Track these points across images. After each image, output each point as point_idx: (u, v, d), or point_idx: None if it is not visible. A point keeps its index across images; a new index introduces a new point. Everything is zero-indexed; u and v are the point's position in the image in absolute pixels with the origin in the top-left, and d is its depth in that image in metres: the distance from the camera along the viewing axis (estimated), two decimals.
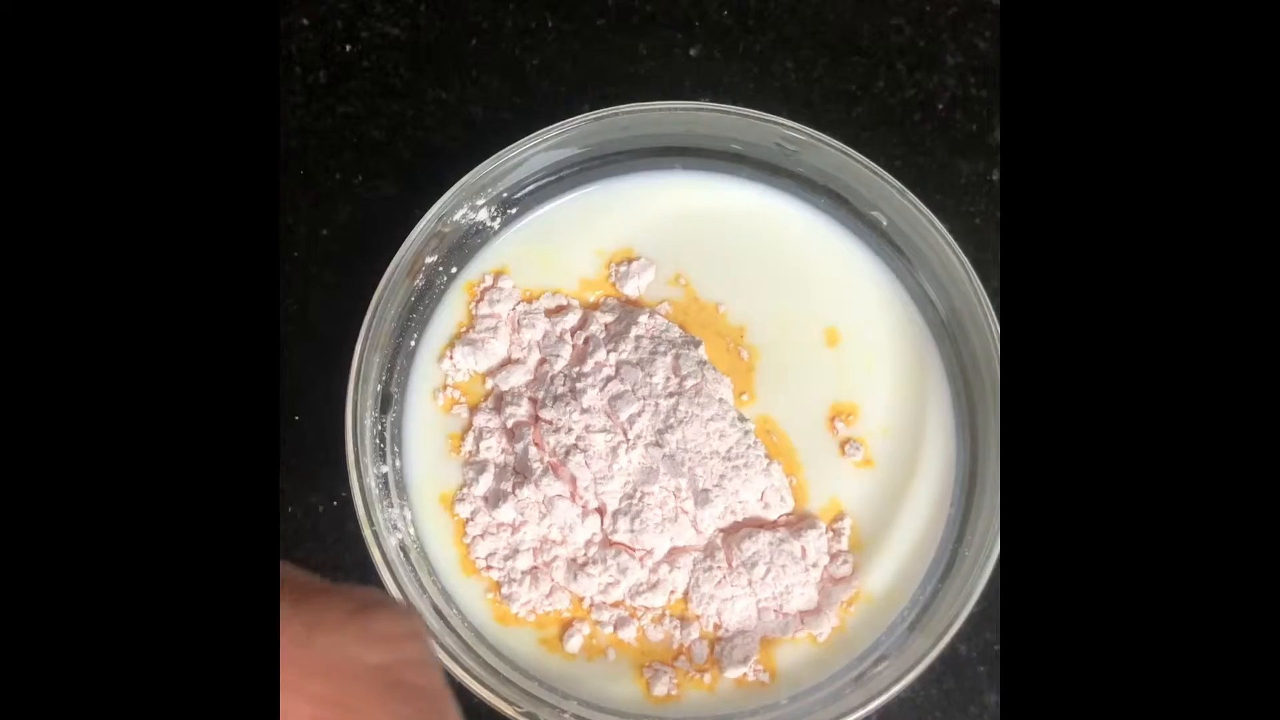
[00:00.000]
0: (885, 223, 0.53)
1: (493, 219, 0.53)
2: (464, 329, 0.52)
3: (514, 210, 0.54)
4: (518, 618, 0.48)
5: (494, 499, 0.49)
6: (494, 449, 0.50)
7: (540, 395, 0.50)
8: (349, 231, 0.57)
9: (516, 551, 0.48)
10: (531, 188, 0.53)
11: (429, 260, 0.51)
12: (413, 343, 0.52)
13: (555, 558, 0.48)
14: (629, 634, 0.48)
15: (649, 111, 0.51)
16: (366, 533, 0.46)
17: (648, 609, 0.48)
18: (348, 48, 0.61)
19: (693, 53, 0.61)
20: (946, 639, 0.46)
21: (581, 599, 0.48)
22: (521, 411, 0.50)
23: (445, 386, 0.51)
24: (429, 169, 0.57)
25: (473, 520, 0.49)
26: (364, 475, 0.46)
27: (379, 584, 0.46)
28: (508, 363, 0.51)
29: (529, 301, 0.53)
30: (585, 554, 0.48)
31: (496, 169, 0.50)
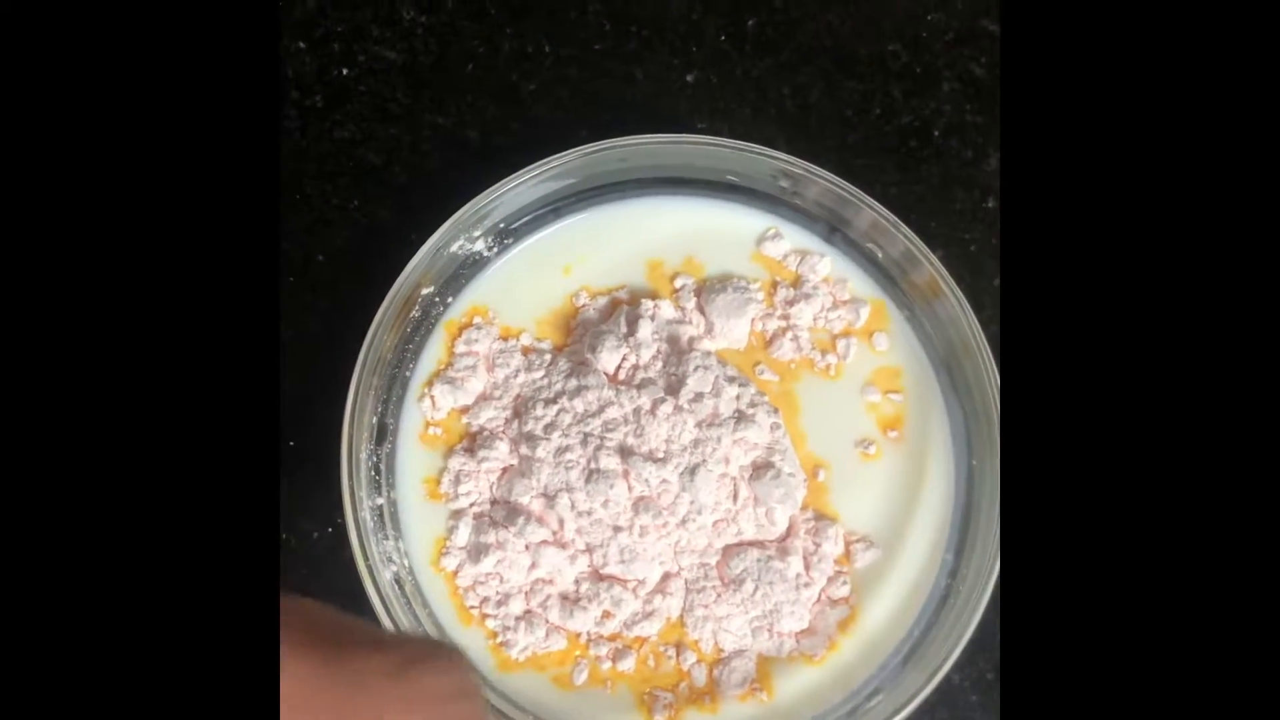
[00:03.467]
0: (880, 255, 0.53)
1: (489, 249, 0.54)
2: (444, 367, 0.52)
3: (510, 241, 0.54)
4: (519, 662, 0.48)
5: (476, 552, 0.49)
6: (472, 494, 0.50)
7: (514, 435, 0.50)
8: (345, 256, 0.57)
9: (508, 597, 0.48)
10: (528, 218, 0.54)
11: (425, 291, 0.51)
12: (409, 374, 0.52)
13: (548, 596, 0.48)
14: (628, 665, 0.48)
15: (646, 145, 0.51)
16: (361, 566, 0.46)
17: (644, 639, 0.48)
18: (345, 71, 0.61)
19: (689, 78, 0.61)
20: (940, 674, 0.46)
21: (578, 635, 0.48)
22: (496, 455, 0.50)
23: (428, 426, 0.52)
24: (425, 194, 0.57)
25: (460, 572, 0.49)
26: (359, 508, 0.46)
27: (373, 615, 0.46)
28: (481, 399, 0.51)
29: (505, 339, 0.53)
30: (577, 590, 0.48)
31: (492, 200, 0.51)
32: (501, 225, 0.53)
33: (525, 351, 0.52)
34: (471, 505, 0.50)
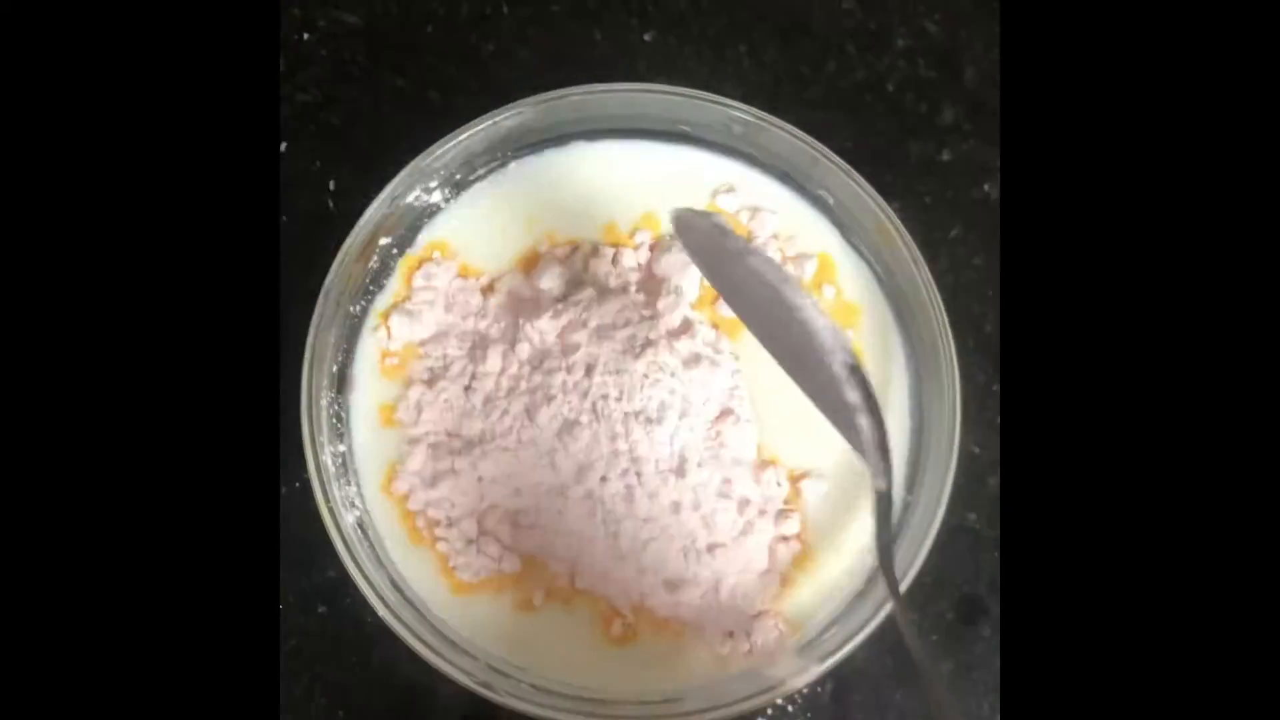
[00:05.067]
0: (832, 201, 0.54)
1: (446, 200, 0.54)
2: (401, 300, 0.53)
3: (466, 192, 0.54)
4: (471, 584, 0.49)
5: (432, 478, 0.49)
6: (428, 423, 0.50)
7: (472, 371, 0.51)
8: (308, 217, 0.58)
9: (459, 520, 0.49)
10: (483, 170, 0.54)
11: (383, 242, 0.52)
12: (366, 312, 0.52)
13: (500, 518, 0.49)
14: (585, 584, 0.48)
15: (599, 94, 0.52)
16: (323, 510, 0.46)
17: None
18: (305, 36, 0.62)
19: (647, 38, 0.62)
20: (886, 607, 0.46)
21: (533, 556, 0.49)
22: (454, 388, 0.50)
23: (384, 356, 0.52)
24: (387, 155, 0.57)
25: (412, 496, 0.50)
26: (320, 453, 0.47)
27: (338, 561, 0.47)
28: (439, 335, 0.52)
29: (464, 278, 0.53)
30: (533, 514, 0.49)
31: (447, 150, 0.51)
32: (458, 176, 0.53)
33: (485, 291, 0.53)
34: (426, 434, 0.50)
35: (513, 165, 0.55)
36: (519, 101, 0.52)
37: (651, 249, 0.53)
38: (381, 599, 0.45)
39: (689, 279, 0.52)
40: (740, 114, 0.52)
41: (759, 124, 0.52)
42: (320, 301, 0.49)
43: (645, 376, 0.48)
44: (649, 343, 0.49)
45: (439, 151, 0.51)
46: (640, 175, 0.55)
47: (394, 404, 0.51)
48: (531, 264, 0.53)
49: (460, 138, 0.51)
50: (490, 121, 0.51)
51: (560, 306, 0.51)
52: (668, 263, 0.52)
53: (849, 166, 0.52)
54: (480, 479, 0.49)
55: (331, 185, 0.58)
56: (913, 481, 0.50)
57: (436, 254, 0.53)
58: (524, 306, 0.52)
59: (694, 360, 0.50)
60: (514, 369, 0.50)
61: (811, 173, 0.53)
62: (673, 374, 0.49)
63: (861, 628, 0.45)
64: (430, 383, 0.51)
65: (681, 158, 0.55)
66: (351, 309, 0.52)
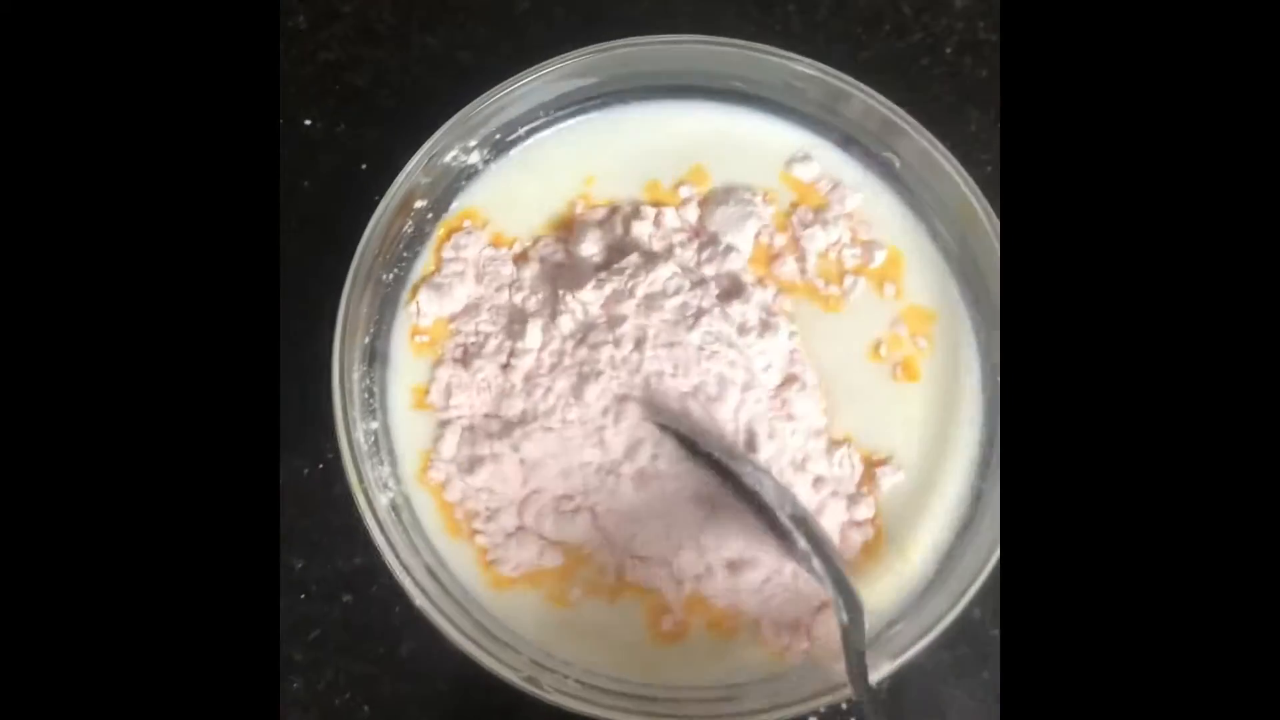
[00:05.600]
0: (899, 164, 0.50)
1: (485, 162, 0.51)
2: (431, 272, 0.49)
3: (507, 153, 0.51)
4: (511, 579, 0.46)
5: (470, 464, 0.46)
6: (462, 406, 0.47)
7: (509, 349, 0.47)
8: (331, 183, 0.54)
9: (499, 511, 0.46)
10: (525, 129, 0.51)
11: (419, 205, 0.49)
12: (402, 286, 0.49)
13: (541, 509, 0.46)
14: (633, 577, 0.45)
15: (649, 46, 0.49)
16: (357, 491, 0.43)
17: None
18: None
19: None
20: (962, 604, 0.43)
21: (578, 547, 0.46)
22: (489, 367, 0.47)
23: (414, 334, 0.49)
24: (415, 118, 0.54)
25: (449, 486, 0.46)
26: (353, 430, 0.44)
27: (371, 547, 0.43)
28: (470, 308, 0.49)
29: (497, 247, 0.50)
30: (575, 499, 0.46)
31: (488, 108, 0.48)
32: (498, 135, 0.50)
33: (519, 260, 0.49)
34: (459, 418, 0.47)
35: (555, 128, 0.51)
36: (565, 55, 0.49)
37: (701, 205, 0.50)
38: (420, 588, 0.42)
39: (743, 235, 0.49)
40: (801, 67, 0.49)
41: (821, 77, 0.49)
42: (352, 271, 0.46)
43: (701, 349, 0.45)
44: (701, 311, 0.46)
45: (479, 109, 0.48)
46: (691, 133, 0.51)
47: (426, 385, 0.48)
48: (567, 229, 0.50)
49: (500, 94, 0.48)
50: (533, 77, 0.48)
51: (603, 275, 0.47)
52: (722, 217, 0.49)
53: (919, 124, 0.48)
54: (522, 462, 0.46)
55: (357, 150, 0.55)
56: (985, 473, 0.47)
57: (467, 222, 0.50)
58: (563, 275, 0.49)
59: (752, 326, 0.46)
60: (555, 344, 0.47)
61: (877, 132, 0.50)
62: (730, 344, 0.45)
63: (935, 623, 0.42)
64: (464, 361, 0.48)
65: (736, 118, 0.51)
66: (384, 277, 0.48)
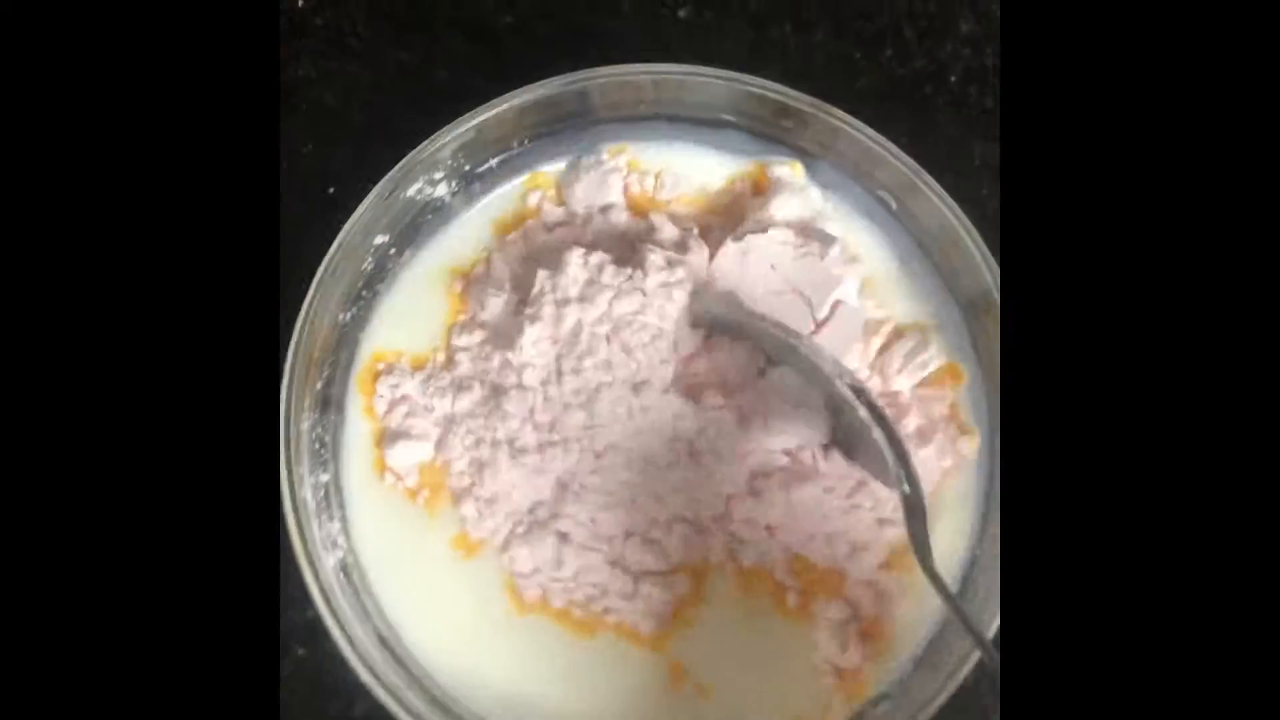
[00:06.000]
0: (894, 205, 0.47)
1: (452, 194, 0.48)
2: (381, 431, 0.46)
3: (476, 186, 0.48)
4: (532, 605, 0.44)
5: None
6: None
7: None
8: (298, 204, 0.51)
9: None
10: (494, 161, 0.48)
11: (378, 241, 0.46)
12: (360, 335, 0.46)
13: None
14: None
15: (630, 76, 0.46)
16: (299, 554, 0.40)
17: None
18: (300, 2, 0.56)
19: (681, 14, 0.56)
20: (957, 679, 0.40)
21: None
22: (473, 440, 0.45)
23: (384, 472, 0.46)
24: (386, 139, 0.51)
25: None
26: (298, 487, 0.41)
27: (314, 608, 0.40)
28: (443, 434, 0.46)
29: (418, 369, 0.47)
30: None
31: (454, 138, 0.45)
32: (467, 168, 0.47)
33: (445, 363, 0.47)
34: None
35: (530, 160, 0.49)
36: (540, 82, 0.46)
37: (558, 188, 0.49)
38: (364, 661, 0.39)
39: (608, 190, 0.48)
40: (793, 103, 0.45)
41: (814, 113, 0.45)
42: (303, 313, 0.43)
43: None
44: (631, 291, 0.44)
45: (443, 140, 0.45)
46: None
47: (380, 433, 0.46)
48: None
49: (467, 124, 0.45)
50: (504, 104, 0.45)
51: (533, 311, 0.44)
52: (582, 191, 0.48)
53: (918, 166, 0.45)
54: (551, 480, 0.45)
55: (324, 172, 0.52)
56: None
57: (381, 365, 0.47)
58: (500, 337, 0.46)
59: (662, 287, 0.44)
60: (535, 400, 0.44)
61: (873, 171, 0.47)
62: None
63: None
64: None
65: (727, 146, 0.49)
66: (341, 317, 0.45)
